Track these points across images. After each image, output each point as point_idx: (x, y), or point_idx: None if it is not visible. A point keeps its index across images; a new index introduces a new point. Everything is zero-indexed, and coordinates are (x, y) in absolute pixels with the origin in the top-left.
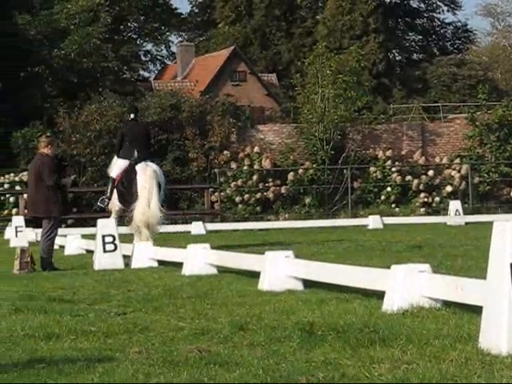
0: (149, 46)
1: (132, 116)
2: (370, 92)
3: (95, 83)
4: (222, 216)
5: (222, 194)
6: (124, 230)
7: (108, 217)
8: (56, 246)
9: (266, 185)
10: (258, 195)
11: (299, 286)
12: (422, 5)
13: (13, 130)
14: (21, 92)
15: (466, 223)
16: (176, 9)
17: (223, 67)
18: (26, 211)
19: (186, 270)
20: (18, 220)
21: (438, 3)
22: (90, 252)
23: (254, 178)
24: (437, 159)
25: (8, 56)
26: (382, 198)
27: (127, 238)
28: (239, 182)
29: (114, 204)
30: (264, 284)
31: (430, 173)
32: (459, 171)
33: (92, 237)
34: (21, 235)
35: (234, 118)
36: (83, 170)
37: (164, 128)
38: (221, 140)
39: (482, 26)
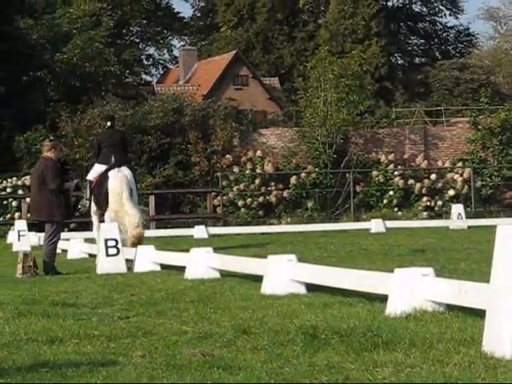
0: (151, 50)
1: (109, 124)
2: (372, 96)
3: (97, 87)
4: (224, 220)
5: (225, 197)
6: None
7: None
8: (59, 250)
9: (269, 189)
10: (261, 199)
11: (302, 290)
12: (424, 9)
13: (15, 134)
14: (23, 96)
15: (469, 227)
16: (178, 13)
17: (225, 71)
18: (28, 215)
19: (189, 274)
20: (21, 224)
21: (440, 7)
22: (93, 256)
23: (257, 181)
24: (439, 163)
25: (10, 60)
26: (385, 201)
27: None
28: (241, 186)
29: (92, 207)
30: (267, 288)
31: (433, 176)
32: (462, 175)
33: (94, 241)
34: (23, 239)
35: (237, 122)
36: (86, 174)
37: (166, 132)
38: (223, 144)
39: (484, 29)
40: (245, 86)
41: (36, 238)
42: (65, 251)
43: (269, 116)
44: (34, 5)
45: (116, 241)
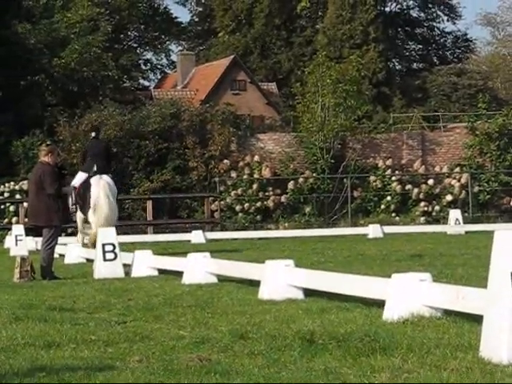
0: (149, 55)
1: (93, 134)
2: (369, 101)
3: (95, 92)
4: (221, 225)
5: (222, 202)
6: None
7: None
8: (56, 255)
9: (266, 194)
10: (258, 204)
11: (299, 295)
12: (422, 14)
13: (13, 139)
14: (21, 101)
15: (466, 232)
16: (176, 18)
17: (223, 76)
18: (26, 220)
19: (187, 279)
20: (18, 229)
21: (438, 13)
22: (90, 261)
23: (254, 186)
24: (437, 168)
25: (8, 65)
26: (382, 206)
27: (127, 247)
28: (239, 191)
29: (77, 212)
30: (264, 293)
31: (430, 182)
32: (459, 180)
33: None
34: (21, 244)
35: (234, 127)
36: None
37: (164, 137)
38: (221, 149)
39: (482, 35)
40: (242, 91)
41: (33, 243)
42: (62, 256)
43: (266, 121)
44: (31, 9)
45: (114, 245)
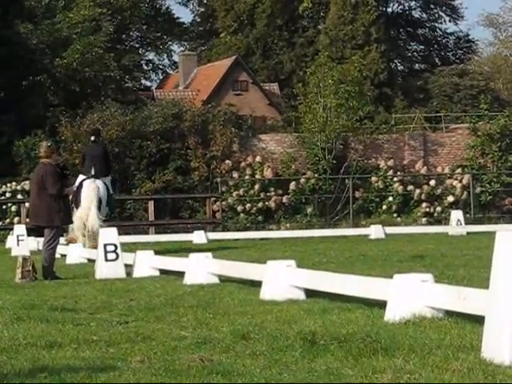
0: (151, 56)
1: (93, 138)
2: (371, 102)
3: (97, 92)
4: (223, 225)
5: (224, 203)
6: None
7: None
8: (58, 255)
9: (268, 194)
10: (260, 204)
11: (301, 296)
12: (424, 15)
13: (15, 139)
14: (23, 101)
15: (468, 233)
16: (178, 18)
17: (225, 77)
18: (27, 220)
19: (188, 279)
20: (20, 229)
21: (440, 13)
22: (92, 261)
23: (256, 187)
24: (438, 169)
25: (10, 65)
26: (384, 207)
27: (129, 247)
28: (241, 192)
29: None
30: (266, 293)
31: (432, 183)
32: (461, 181)
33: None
34: (22, 244)
35: (236, 128)
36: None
37: (166, 137)
38: (223, 149)
39: (484, 36)
40: (244, 91)
41: (35, 243)
42: (64, 256)
43: (268, 121)
44: (33, 10)
45: (115, 246)
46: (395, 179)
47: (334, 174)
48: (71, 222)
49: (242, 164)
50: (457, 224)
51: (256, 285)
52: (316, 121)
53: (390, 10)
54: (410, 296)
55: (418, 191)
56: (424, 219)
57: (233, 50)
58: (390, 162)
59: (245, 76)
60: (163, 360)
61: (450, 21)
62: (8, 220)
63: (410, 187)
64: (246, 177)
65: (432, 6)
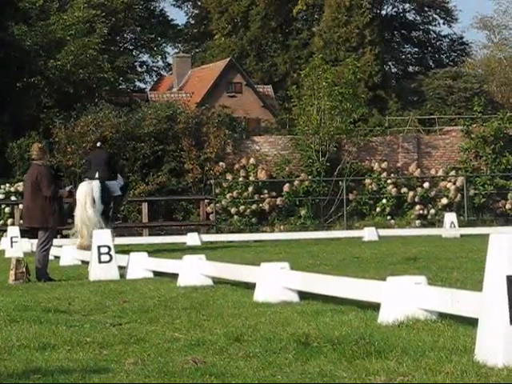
0: (145, 57)
1: (98, 144)
2: (365, 104)
3: (91, 94)
4: (217, 227)
5: (218, 205)
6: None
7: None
8: (51, 257)
9: (262, 196)
10: (254, 206)
11: (295, 298)
12: (418, 17)
13: (9, 141)
14: (17, 102)
15: (461, 235)
16: (172, 20)
17: (219, 79)
18: (21, 222)
19: (182, 281)
20: (14, 230)
21: (434, 16)
22: (86, 263)
23: (250, 189)
24: (432, 171)
25: (4, 66)
26: (378, 209)
27: (123, 249)
28: (235, 194)
29: None
30: (259, 295)
31: (426, 185)
32: (454, 183)
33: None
34: (16, 246)
35: (230, 130)
36: (79, 180)
37: (160, 139)
38: (216, 151)
39: (478, 38)
40: (238, 93)
41: (29, 245)
42: (57, 258)
43: (262, 124)
44: (27, 11)
45: (109, 248)
46: (389, 181)
47: (328, 176)
48: (65, 224)
49: (236, 166)
50: (450, 226)
51: (250, 287)
52: (310, 123)
53: (384, 12)
54: (403, 298)
55: (411, 193)
56: (418, 221)
57: (227, 52)
58: (384, 165)
59: (239, 78)
60: (156, 362)
61: (444, 23)
62: (1, 221)
63: (404, 189)
64: (240, 179)
65: (426, 9)
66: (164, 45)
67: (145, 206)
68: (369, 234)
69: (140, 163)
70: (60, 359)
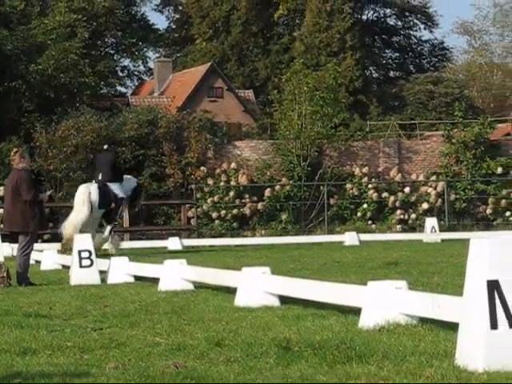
0: (126, 62)
1: (105, 147)
2: (346, 109)
3: (72, 98)
4: (198, 232)
5: (199, 209)
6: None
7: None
8: (32, 261)
9: (243, 201)
10: (235, 211)
11: (276, 302)
12: (399, 22)
13: None
14: None
15: (442, 240)
16: (153, 25)
17: (200, 83)
18: (1, 226)
19: (163, 286)
20: None
21: (415, 21)
22: (66, 267)
23: (231, 193)
24: (413, 176)
25: None
26: (359, 214)
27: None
28: (216, 198)
29: None
30: (240, 300)
31: (407, 190)
32: (435, 188)
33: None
34: None
35: (211, 134)
36: (60, 185)
37: (141, 143)
38: (197, 156)
39: (459, 43)
40: (219, 98)
41: (9, 249)
42: (38, 262)
43: (243, 128)
44: (8, 16)
45: (90, 252)
46: (370, 186)
47: (309, 180)
48: (46, 228)
49: (217, 170)
50: (431, 231)
51: (231, 291)
52: (291, 128)
53: (365, 17)
54: (384, 303)
55: (392, 198)
56: (398, 226)
57: (208, 57)
58: (365, 169)
59: (220, 83)
60: (137, 366)
61: (424, 28)
62: None
63: (385, 194)
64: (221, 183)
65: (407, 14)
66: (145, 49)
67: (126, 211)
68: (350, 238)
69: (121, 168)
70: (41, 364)
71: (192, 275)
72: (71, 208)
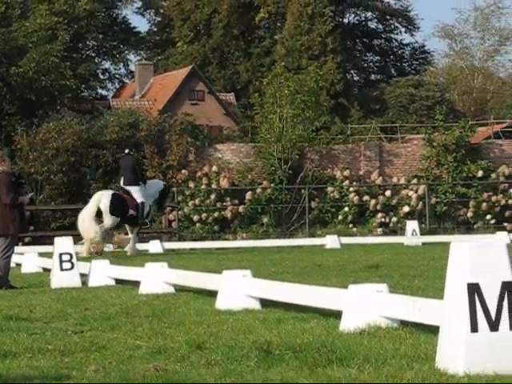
0: (107, 65)
1: (126, 151)
2: (327, 112)
3: (53, 101)
4: (179, 235)
5: (180, 212)
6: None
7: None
8: (13, 264)
9: (224, 204)
10: (216, 214)
11: (257, 305)
12: (380, 26)
13: None
14: None
15: (423, 243)
16: (134, 27)
17: (181, 86)
18: None
19: (144, 289)
20: None
21: (396, 24)
22: (47, 270)
23: (212, 197)
24: (394, 179)
25: None
26: (340, 217)
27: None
28: (197, 201)
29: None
30: (221, 303)
31: (388, 193)
32: (416, 191)
33: (49, 255)
34: None
35: (192, 137)
36: (41, 188)
37: (122, 146)
38: (179, 159)
39: (440, 47)
40: (201, 101)
41: None
42: (19, 265)
43: (224, 131)
44: None
45: (71, 255)
46: (351, 189)
47: (290, 184)
48: (27, 231)
49: (198, 174)
50: (412, 234)
51: (212, 294)
52: (272, 131)
53: (346, 20)
54: (365, 306)
55: (373, 201)
56: (379, 229)
57: (189, 60)
58: (346, 173)
59: (201, 86)
60: (118, 369)
61: (405, 32)
62: None
63: (366, 197)
64: (202, 186)
65: (388, 17)
66: (126, 52)
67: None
68: (331, 241)
69: (102, 170)
70: (21, 367)
71: (173, 278)
72: (52, 211)
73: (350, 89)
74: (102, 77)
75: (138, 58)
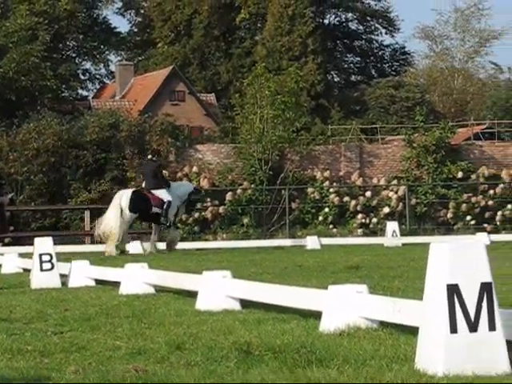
0: (87, 65)
1: (149, 157)
2: (308, 113)
3: (33, 102)
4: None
5: None
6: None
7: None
8: None
9: (204, 205)
10: (196, 215)
11: (236, 306)
12: (361, 27)
13: None
14: None
15: (403, 244)
16: (115, 28)
17: (162, 87)
18: None
19: (124, 289)
20: None
21: (377, 25)
22: (27, 271)
23: None
24: (374, 180)
25: None
26: (320, 218)
27: (65, 257)
28: None
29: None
30: (201, 304)
31: (368, 194)
32: (396, 192)
33: (29, 255)
34: None
35: (173, 138)
36: (21, 188)
37: (102, 147)
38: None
39: (420, 48)
40: (181, 101)
41: None
42: None
43: (205, 132)
44: None
45: (51, 255)
46: (331, 190)
47: (271, 184)
48: (7, 232)
49: (179, 174)
50: (392, 235)
51: (192, 295)
52: (253, 131)
53: (326, 21)
54: (344, 307)
55: (353, 202)
56: (360, 230)
57: (170, 61)
58: (326, 173)
59: (182, 86)
60: (98, 370)
61: (386, 33)
62: None
63: (346, 198)
64: None
65: (368, 18)
66: (107, 52)
67: (87, 215)
68: (311, 242)
69: (82, 171)
70: (0, 367)
71: (153, 279)
72: (32, 211)
73: (331, 90)
74: (82, 77)
75: (119, 58)
